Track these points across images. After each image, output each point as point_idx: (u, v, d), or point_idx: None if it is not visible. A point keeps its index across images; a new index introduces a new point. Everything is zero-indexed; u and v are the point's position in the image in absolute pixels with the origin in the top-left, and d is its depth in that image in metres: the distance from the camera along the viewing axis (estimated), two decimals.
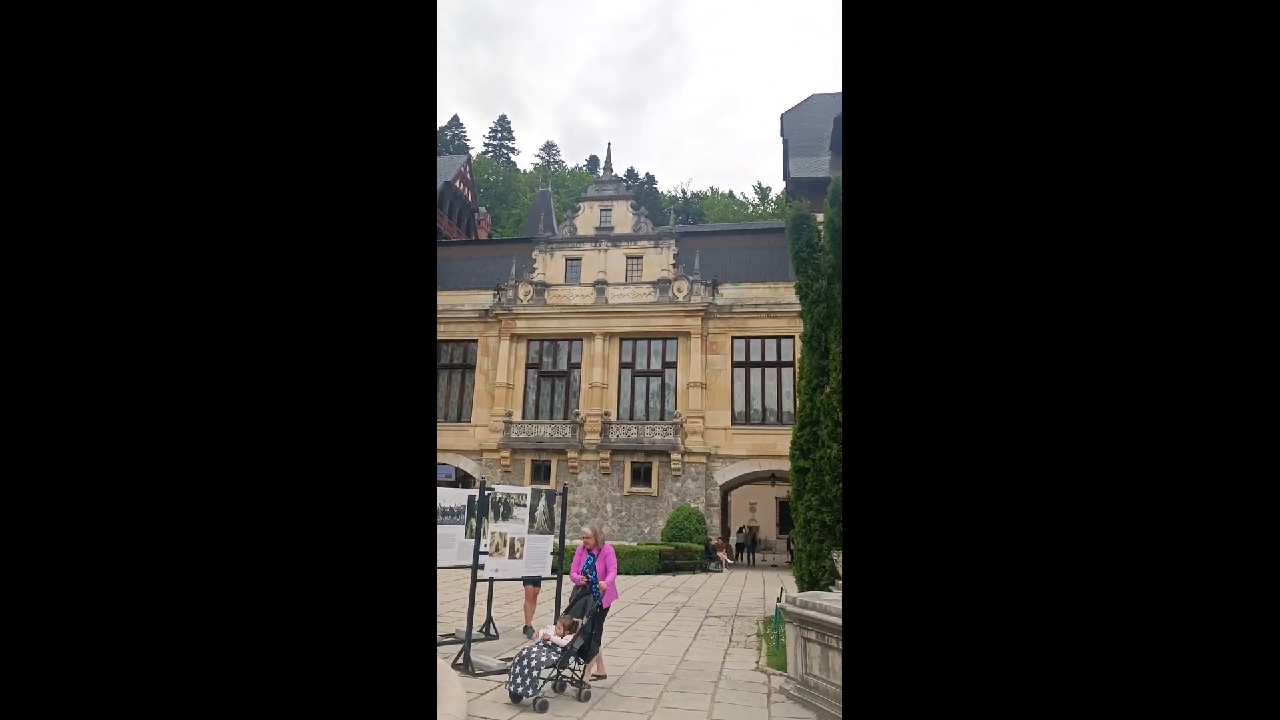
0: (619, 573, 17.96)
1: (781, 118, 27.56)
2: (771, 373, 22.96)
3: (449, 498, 8.62)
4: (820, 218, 10.91)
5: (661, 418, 23.10)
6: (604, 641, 8.67)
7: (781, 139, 27.15)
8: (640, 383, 23.74)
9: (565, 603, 7.15)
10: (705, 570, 19.41)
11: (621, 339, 23.96)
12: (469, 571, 7.39)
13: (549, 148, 73.69)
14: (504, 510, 7.85)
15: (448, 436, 23.94)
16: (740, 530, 26.83)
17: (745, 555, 24.93)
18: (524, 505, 7.99)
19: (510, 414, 23.71)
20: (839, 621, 5.51)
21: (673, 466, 22.08)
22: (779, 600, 7.94)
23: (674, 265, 24.43)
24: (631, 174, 56.74)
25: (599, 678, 6.40)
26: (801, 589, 9.26)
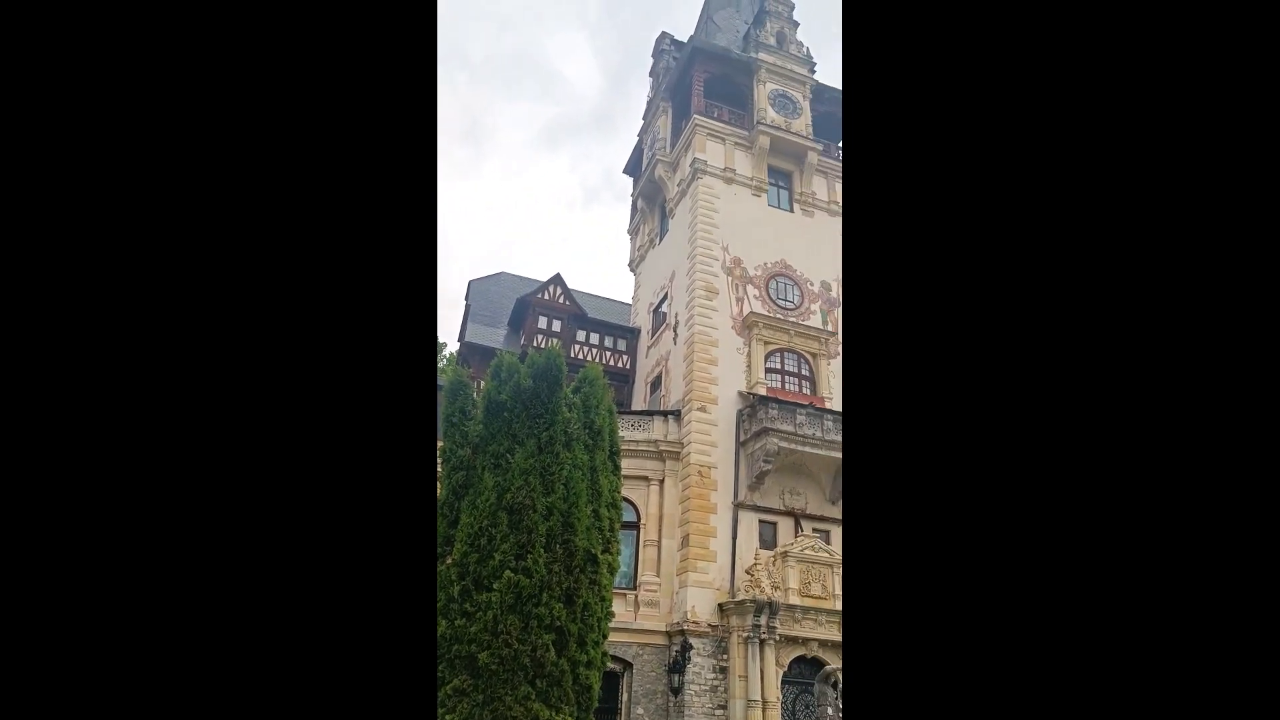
0: None
1: (469, 283, 28.65)
2: None
3: None
4: (481, 386, 11.20)
5: None
6: None
7: (465, 303, 28.02)
8: None
9: None
10: None
11: None
12: None
13: None
14: None
15: None
16: None
17: None
18: None
19: None
20: None
21: None
22: None
23: None
24: None
25: None
26: None
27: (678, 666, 14.90)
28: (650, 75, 26.22)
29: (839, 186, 22.15)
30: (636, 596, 15.93)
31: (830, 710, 13.37)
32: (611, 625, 10.19)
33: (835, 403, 18.46)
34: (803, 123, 21.90)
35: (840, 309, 20.19)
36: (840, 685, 13.64)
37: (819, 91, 22.87)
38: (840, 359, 19.41)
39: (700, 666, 14.95)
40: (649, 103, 25.55)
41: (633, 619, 15.55)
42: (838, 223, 21.65)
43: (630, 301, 25.47)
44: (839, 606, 15.71)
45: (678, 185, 21.96)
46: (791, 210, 21.43)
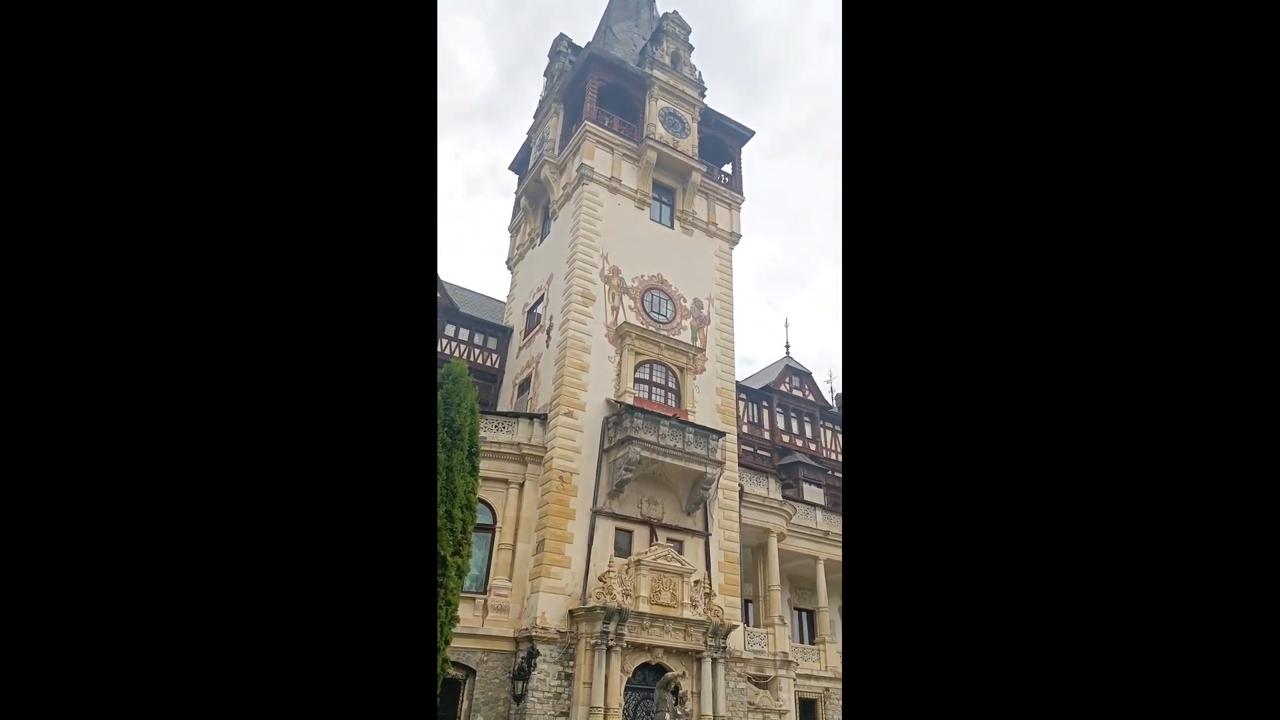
0: None
1: None
2: None
3: None
4: None
5: None
6: None
7: None
8: None
9: None
10: None
11: None
12: None
13: None
14: None
15: None
16: None
17: None
18: None
19: None
20: None
21: None
22: None
23: None
24: None
25: None
26: None
27: (522, 673, 14.70)
28: (545, 75, 26.00)
29: (719, 209, 22.97)
30: (486, 601, 15.57)
31: (668, 716, 13.67)
32: (457, 631, 9.88)
33: (698, 416, 19.04)
34: (690, 143, 22.54)
35: (709, 326, 20.89)
36: (680, 690, 13.98)
37: (707, 115, 23.65)
38: (704, 375, 20.07)
39: (545, 673, 14.83)
40: (541, 102, 25.32)
41: (480, 624, 15.17)
42: (715, 243, 22.42)
43: (505, 300, 25.01)
44: (686, 614, 16.14)
45: (563, 188, 21.88)
46: (672, 227, 21.95)
